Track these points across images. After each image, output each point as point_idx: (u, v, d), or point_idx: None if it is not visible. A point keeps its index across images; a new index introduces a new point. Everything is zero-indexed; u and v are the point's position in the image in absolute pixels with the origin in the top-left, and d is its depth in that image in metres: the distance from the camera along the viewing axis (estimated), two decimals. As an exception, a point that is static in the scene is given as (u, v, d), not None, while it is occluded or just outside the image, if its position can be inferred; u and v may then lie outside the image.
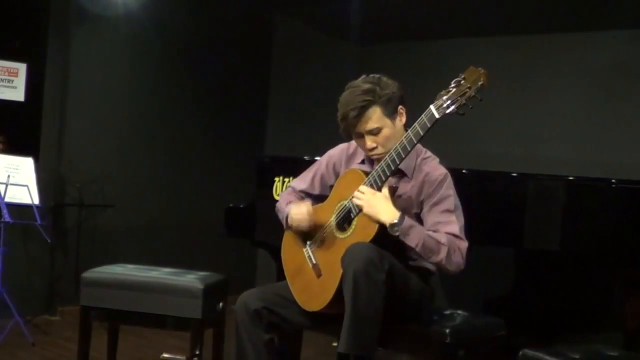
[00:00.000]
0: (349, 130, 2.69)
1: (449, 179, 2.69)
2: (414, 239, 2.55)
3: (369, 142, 2.68)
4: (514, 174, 3.40)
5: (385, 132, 2.67)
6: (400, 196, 2.69)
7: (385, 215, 2.55)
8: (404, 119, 2.72)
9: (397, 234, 2.54)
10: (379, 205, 2.55)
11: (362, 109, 2.63)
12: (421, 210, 2.69)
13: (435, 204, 2.64)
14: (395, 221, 2.53)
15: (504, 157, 4.97)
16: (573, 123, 5.03)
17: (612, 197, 3.19)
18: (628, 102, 4.82)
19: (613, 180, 3.20)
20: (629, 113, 4.80)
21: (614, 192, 3.20)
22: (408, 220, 2.56)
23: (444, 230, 2.60)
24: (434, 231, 2.60)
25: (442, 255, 2.56)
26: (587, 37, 4.95)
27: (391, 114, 2.68)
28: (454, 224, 2.61)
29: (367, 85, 2.66)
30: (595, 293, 3.29)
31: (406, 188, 2.70)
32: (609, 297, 3.29)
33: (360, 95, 2.64)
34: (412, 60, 5.63)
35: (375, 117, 2.65)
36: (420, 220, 2.67)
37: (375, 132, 2.66)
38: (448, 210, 2.63)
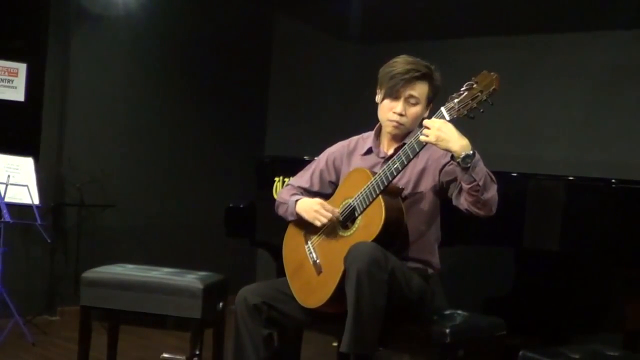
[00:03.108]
0: (395, 87, 2.71)
1: None
2: (479, 173, 2.48)
3: (401, 107, 2.72)
4: (514, 174, 3.40)
5: (418, 109, 2.74)
6: (406, 198, 2.70)
7: (457, 144, 2.47)
8: (427, 113, 2.78)
9: (467, 166, 2.46)
10: (450, 133, 2.47)
11: (420, 77, 2.71)
12: (436, 180, 2.71)
13: None
14: (470, 152, 2.46)
15: (504, 157, 4.97)
16: (573, 123, 5.03)
17: (612, 197, 3.18)
18: (628, 102, 4.81)
19: (613, 180, 3.19)
20: (629, 113, 4.80)
21: (614, 192, 3.20)
22: (477, 154, 2.49)
23: None
24: None
25: (493, 193, 2.53)
26: (587, 37, 4.94)
27: (430, 98, 2.76)
28: None
29: (428, 63, 2.76)
30: (595, 293, 3.29)
31: (413, 166, 2.72)
32: (609, 297, 3.29)
33: (422, 65, 2.73)
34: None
35: (422, 89, 2.73)
36: (430, 194, 2.72)
37: (412, 102, 2.73)
38: None
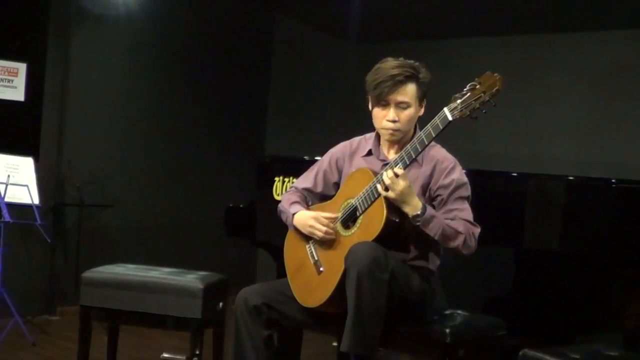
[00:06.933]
0: (381, 96, 2.69)
1: (459, 166, 2.74)
2: (433, 229, 2.58)
3: (393, 114, 2.70)
4: (514, 174, 3.40)
5: (410, 111, 2.71)
6: None
7: (410, 206, 2.57)
8: (422, 112, 2.76)
9: (418, 223, 2.57)
10: (408, 196, 2.57)
11: (405, 80, 2.67)
12: (430, 195, 2.72)
13: (452, 191, 2.68)
14: (418, 212, 2.56)
15: (504, 157, 4.98)
16: (573, 123, 5.03)
17: (612, 197, 3.19)
18: (628, 101, 4.82)
19: (613, 180, 3.20)
20: (629, 113, 4.80)
21: (614, 192, 3.20)
22: (430, 211, 2.59)
23: (460, 216, 2.64)
24: (451, 219, 2.63)
25: (459, 241, 2.60)
26: (587, 37, 4.95)
27: (421, 98, 2.73)
28: (469, 211, 2.67)
29: (410, 62, 2.72)
30: (595, 293, 3.29)
31: (417, 174, 2.72)
32: (609, 297, 3.29)
33: (406, 67, 2.69)
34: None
35: (410, 92, 2.69)
36: (428, 203, 2.72)
37: (403, 107, 2.70)
38: (462, 197, 2.68)
